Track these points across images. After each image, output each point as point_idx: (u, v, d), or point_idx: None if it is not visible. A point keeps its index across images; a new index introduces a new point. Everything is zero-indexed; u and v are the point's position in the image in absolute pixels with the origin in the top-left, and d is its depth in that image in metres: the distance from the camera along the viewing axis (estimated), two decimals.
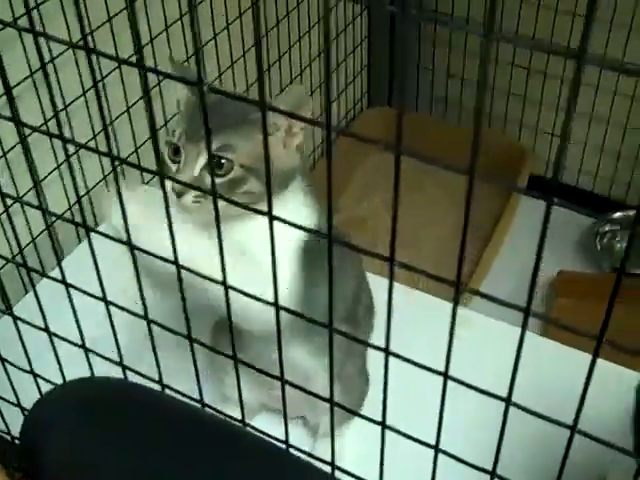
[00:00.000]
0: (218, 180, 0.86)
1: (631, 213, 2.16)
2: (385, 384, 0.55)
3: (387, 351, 0.52)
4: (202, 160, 0.86)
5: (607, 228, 2.17)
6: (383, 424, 0.56)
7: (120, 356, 0.76)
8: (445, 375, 0.49)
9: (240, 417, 1.07)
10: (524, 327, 0.44)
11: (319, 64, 2.04)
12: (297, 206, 0.93)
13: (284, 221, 0.53)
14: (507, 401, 0.47)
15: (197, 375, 0.69)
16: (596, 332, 0.49)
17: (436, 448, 0.54)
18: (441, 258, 1.98)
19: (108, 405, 0.65)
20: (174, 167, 0.88)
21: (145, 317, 0.67)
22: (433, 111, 2.38)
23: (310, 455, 0.70)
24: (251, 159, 0.87)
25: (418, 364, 0.53)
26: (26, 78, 1.24)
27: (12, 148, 1.26)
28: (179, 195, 0.85)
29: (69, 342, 0.79)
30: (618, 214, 2.17)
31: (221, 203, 0.84)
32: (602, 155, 2.19)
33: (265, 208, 0.86)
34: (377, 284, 1.13)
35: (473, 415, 1.00)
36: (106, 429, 0.63)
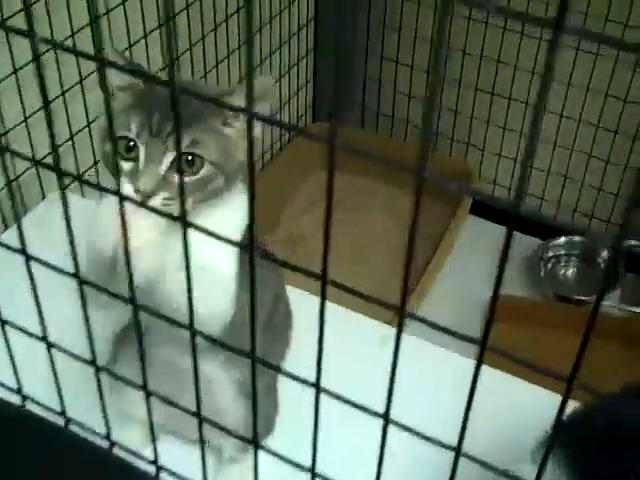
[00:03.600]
0: (187, 179, 0.79)
1: (576, 239, 2.12)
2: (316, 426, 0.48)
3: (318, 387, 0.45)
4: (168, 158, 0.78)
5: (551, 253, 2.12)
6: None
7: None
8: (385, 418, 0.41)
9: (138, 439, 1.00)
10: (480, 361, 0.37)
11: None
12: (242, 198, 0.86)
13: None
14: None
15: (59, 391, 0.60)
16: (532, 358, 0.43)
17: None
18: (382, 279, 1.91)
19: None
20: (127, 165, 0.79)
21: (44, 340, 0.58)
22: (379, 128, 2.32)
23: None
24: (218, 154, 0.80)
25: (352, 402, 0.46)
26: None
27: None
28: (146, 198, 0.77)
29: None
30: (563, 239, 2.12)
31: (188, 203, 0.80)
32: (548, 178, 2.15)
33: (222, 203, 0.83)
34: (305, 302, 1.06)
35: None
36: None
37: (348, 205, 2.17)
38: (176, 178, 0.78)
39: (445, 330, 0.43)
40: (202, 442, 0.58)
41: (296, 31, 2.09)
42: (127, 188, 0.77)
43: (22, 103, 1.34)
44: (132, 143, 0.78)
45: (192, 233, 0.50)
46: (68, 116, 1.43)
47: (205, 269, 0.79)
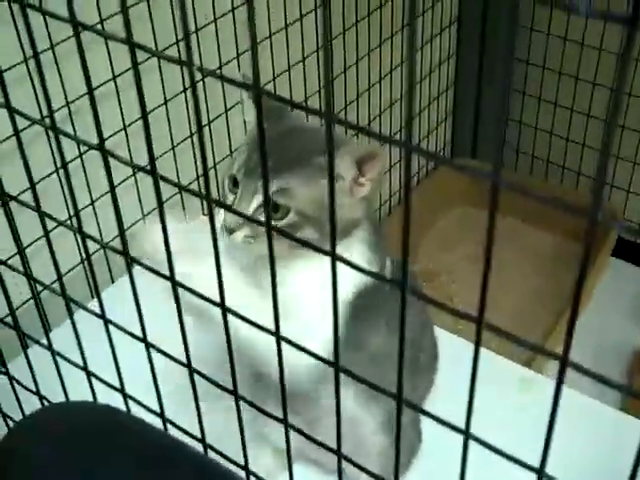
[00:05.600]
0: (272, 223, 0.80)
1: None
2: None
3: (467, 434, 0.43)
4: (257, 200, 0.81)
5: None
6: None
7: (122, 391, 0.67)
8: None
9: (274, 464, 0.98)
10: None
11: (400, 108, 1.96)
12: (355, 257, 0.85)
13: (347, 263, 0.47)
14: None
15: (198, 411, 0.60)
16: None
17: None
18: (518, 322, 1.84)
19: (86, 433, 0.57)
20: (230, 199, 0.83)
21: (188, 365, 0.58)
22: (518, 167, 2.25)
23: None
24: (309, 206, 0.81)
25: (503, 453, 0.43)
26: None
27: None
28: (230, 232, 0.80)
29: (74, 364, 0.71)
30: None
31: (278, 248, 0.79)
32: None
33: (318, 257, 0.80)
34: (444, 340, 1.06)
35: None
36: (81, 460, 0.54)
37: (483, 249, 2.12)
38: (260, 219, 0.79)
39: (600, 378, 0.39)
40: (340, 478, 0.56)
41: (437, 64, 2.07)
42: (220, 219, 0.80)
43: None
44: (236, 180, 0.83)
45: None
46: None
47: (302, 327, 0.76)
